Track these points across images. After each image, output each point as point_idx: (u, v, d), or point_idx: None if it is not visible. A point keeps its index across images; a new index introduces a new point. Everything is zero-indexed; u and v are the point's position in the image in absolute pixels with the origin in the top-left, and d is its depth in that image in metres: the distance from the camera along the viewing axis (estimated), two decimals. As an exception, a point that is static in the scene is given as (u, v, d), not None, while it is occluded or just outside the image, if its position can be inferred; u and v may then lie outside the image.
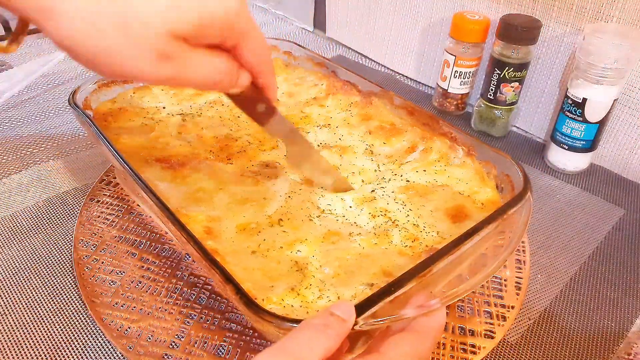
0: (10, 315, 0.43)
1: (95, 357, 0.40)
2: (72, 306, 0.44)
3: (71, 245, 0.49)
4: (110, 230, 0.49)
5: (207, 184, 0.45)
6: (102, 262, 0.46)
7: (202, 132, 0.52)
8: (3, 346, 0.40)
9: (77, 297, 0.44)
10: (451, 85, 0.71)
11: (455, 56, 0.68)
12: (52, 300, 0.44)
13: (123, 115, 0.52)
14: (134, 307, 0.42)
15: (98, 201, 0.53)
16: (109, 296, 0.43)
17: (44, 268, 0.47)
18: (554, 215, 0.56)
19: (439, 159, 0.49)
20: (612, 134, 0.62)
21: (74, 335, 0.41)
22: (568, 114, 0.59)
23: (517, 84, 0.64)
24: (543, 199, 0.59)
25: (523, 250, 0.49)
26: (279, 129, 0.40)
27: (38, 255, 0.48)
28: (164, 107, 0.55)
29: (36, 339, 0.41)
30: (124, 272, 0.45)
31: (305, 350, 0.25)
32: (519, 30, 0.60)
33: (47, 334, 0.41)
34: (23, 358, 0.40)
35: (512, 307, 0.43)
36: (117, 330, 0.40)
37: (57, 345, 0.41)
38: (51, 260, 0.48)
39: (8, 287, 0.45)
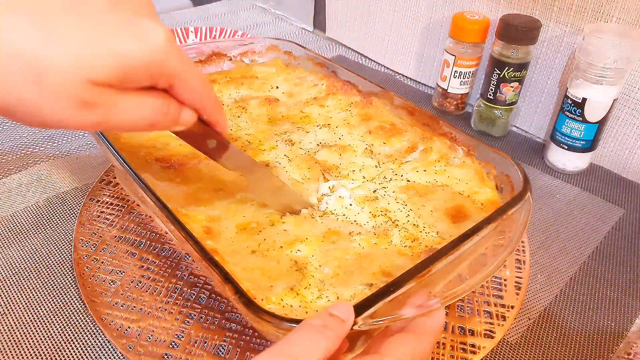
0: (10, 315, 0.43)
1: (95, 357, 0.40)
2: (72, 306, 0.44)
3: (71, 245, 0.49)
4: (110, 230, 0.49)
5: (206, 184, 0.45)
6: (102, 262, 0.46)
7: None
8: (3, 346, 0.40)
9: (77, 296, 0.44)
10: (451, 85, 0.71)
11: (455, 56, 0.68)
12: (52, 300, 0.44)
13: None
14: (134, 306, 0.42)
15: (98, 201, 0.53)
16: (109, 296, 0.43)
17: (44, 268, 0.47)
18: (553, 215, 0.56)
19: (439, 159, 0.49)
20: (612, 134, 0.62)
21: (74, 335, 0.41)
22: (568, 113, 0.59)
23: (516, 83, 0.64)
24: (543, 199, 0.59)
25: (523, 250, 0.49)
26: (234, 162, 0.39)
27: (38, 255, 0.48)
28: None
29: (36, 338, 0.41)
30: (124, 272, 0.45)
31: (305, 351, 0.25)
32: (519, 30, 0.60)
33: (47, 334, 0.41)
34: (23, 358, 0.40)
35: (512, 307, 0.43)
36: (117, 330, 0.40)
37: (57, 345, 0.41)
38: (51, 260, 0.48)
39: (8, 286, 0.45)
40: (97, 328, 0.42)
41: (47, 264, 0.48)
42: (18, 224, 0.52)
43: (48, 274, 0.46)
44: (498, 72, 0.63)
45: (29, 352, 0.40)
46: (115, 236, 0.49)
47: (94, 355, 0.40)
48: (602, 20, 0.58)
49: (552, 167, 0.64)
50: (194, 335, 0.40)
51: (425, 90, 0.81)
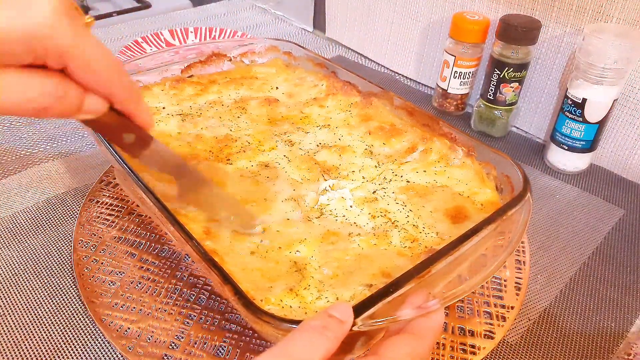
0: (10, 316, 0.43)
1: (95, 358, 0.40)
2: (72, 307, 0.44)
3: (71, 246, 0.49)
4: (109, 230, 0.49)
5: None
6: (102, 263, 0.46)
7: (201, 133, 0.52)
8: (3, 347, 0.40)
9: (77, 297, 0.44)
10: (451, 86, 0.70)
11: (455, 56, 0.68)
12: (52, 301, 0.44)
13: None
14: (134, 307, 0.42)
15: (97, 202, 0.53)
16: (109, 297, 0.43)
17: (44, 269, 0.47)
18: (553, 215, 0.56)
19: (438, 160, 0.49)
20: (612, 134, 0.62)
21: (73, 336, 0.41)
22: (568, 114, 0.59)
23: (516, 84, 0.64)
24: (543, 199, 0.59)
25: (523, 251, 0.49)
26: (157, 161, 0.35)
27: (37, 256, 0.48)
28: (163, 108, 0.55)
29: (36, 339, 0.41)
30: (123, 273, 0.45)
31: (304, 351, 0.25)
32: (519, 31, 0.60)
33: (46, 335, 0.41)
34: (23, 359, 0.40)
35: (512, 308, 0.43)
36: (117, 330, 0.40)
37: (56, 346, 0.41)
38: (51, 261, 0.48)
39: (7, 288, 0.45)
40: (97, 329, 0.42)
41: (47, 265, 0.47)
42: (17, 225, 0.52)
43: (47, 275, 0.46)
44: (498, 72, 0.63)
45: (29, 353, 0.40)
46: (115, 237, 0.49)
47: (94, 356, 0.40)
48: (602, 21, 0.58)
49: (552, 167, 0.64)
50: (193, 336, 0.40)
51: (425, 90, 0.81)
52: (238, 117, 0.55)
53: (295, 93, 0.60)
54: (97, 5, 1.13)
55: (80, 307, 0.44)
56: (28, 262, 0.48)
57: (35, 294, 0.45)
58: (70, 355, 0.40)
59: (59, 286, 0.45)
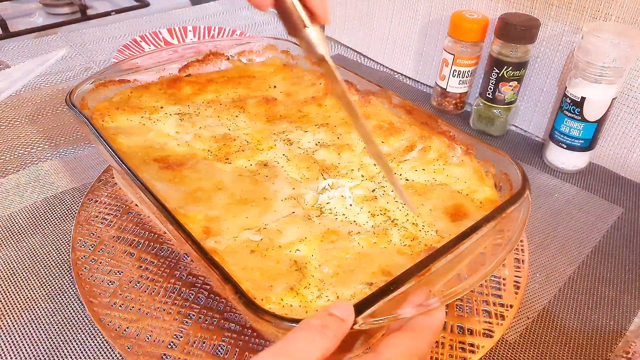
0: (8, 316, 0.42)
1: (94, 357, 0.40)
2: (70, 306, 0.44)
3: (69, 245, 0.49)
4: (108, 230, 0.49)
5: (205, 184, 0.45)
6: (100, 262, 0.46)
7: (199, 132, 0.52)
8: (1, 346, 0.40)
9: (75, 297, 0.44)
10: (450, 85, 0.70)
11: (453, 55, 0.68)
12: (50, 301, 0.44)
13: (120, 115, 0.52)
14: (133, 307, 0.42)
15: (96, 201, 0.53)
16: (107, 296, 0.43)
17: (42, 268, 0.47)
18: (552, 214, 0.56)
19: (437, 158, 0.49)
20: (611, 133, 0.62)
21: (72, 336, 0.41)
22: (567, 112, 0.59)
23: (515, 83, 0.64)
24: (541, 198, 0.59)
25: (522, 249, 0.49)
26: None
27: (36, 256, 0.48)
28: (161, 107, 0.55)
29: (34, 339, 0.41)
30: (122, 272, 0.45)
31: (304, 350, 0.25)
32: (518, 29, 0.60)
33: (45, 334, 0.41)
34: (21, 358, 0.39)
35: (511, 306, 0.43)
36: (116, 330, 0.40)
37: (55, 346, 0.40)
38: (49, 260, 0.48)
39: (5, 287, 0.45)
40: (96, 328, 0.42)
41: (45, 264, 0.47)
42: (16, 224, 0.52)
43: (46, 275, 0.46)
44: (497, 71, 0.63)
45: (27, 353, 0.40)
46: (114, 236, 0.49)
47: (93, 355, 0.40)
48: (601, 19, 0.58)
49: (550, 166, 0.64)
50: (192, 336, 0.40)
51: (424, 89, 0.81)
52: (236, 116, 0.55)
53: (293, 92, 0.60)
54: (95, 4, 1.13)
55: (79, 307, 0.43)
56: (26, 261, 0.48)
57: (34, 293, 0.45)
58: (69, 354, 0.40)
59: (58, 285, 0.45)
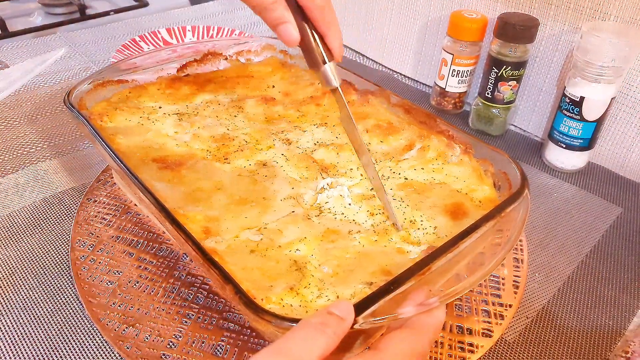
0: (7, 316, 0.42)
1: (93, 357, 0.40)
2: (69, 306, 0.43)
3: (68, 245, 0.49)
4: (107, 230, 0.49)
5: (204, 184, 0.45)
6: (99, 262, 0.46)
7: (198, 132, 0.52)
8: (0, 347, 0.40)
9: (74, 297, 0.44)
10: (449, 84, 0.70)
11: (452, 55, 0.68)
12: (49, 301, 0.44)
13: (119, 115, 0.52)
14: (132, 307, 0.42)
15: (95, 201, 0.53)
16: (106, 296, 0.43)
17: (41, 268, 0.47)
18: (551, 213, 0.56)
19: (436, 157, 0.49)
20: (610, 133, 0.62)
21: (71, 336, 0.41)
22: (566, 112, 0.59)
23: (514, 82, 0.64)
24: (540, 197, 0.59)
25: (521, 249, 0.49)
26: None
27: (35, 255, 0.48)
28: (160, 107, 0.55)
29: (33, 339, 0.41)
30: (121, 272, 0.45)
31: (303, 349, 0.25)
32: (517, 29, 0.60)
33: (44, 334, 0.41)
34: (20, 358, 0.39)
35: (510, 306, 0.43)
36: (115, 330, 0.40)
37: (54, 346, 0.40)
38: (48, 260, 0.48)
39: (5, 287, 0.45)
40: (95, 329, 0.42)
41: (44, 264, 0.47)
42: (15, 224, 0.52)
43: (45, 275, 0.46)
44: (496, 70, 0.63)
45: (26, 353, 0.40)
46: (113, 236, 0.49)
47: (92, 355, 0.40)
48: (600, 19, 0.58)
49: (550, 165, 0.64)
50: (191, 336, 0.40)
51: (423, 89, 0.81)
52: (235, 116, 0.55)
53: (291, 91, 0.60)
54: (94, 4, 1.12)
55: (78, 307, 0.43)
56: (25, 261, 0.47)
57: (33, 292, 0.44)
58: (68, 355, 0.40)
59: (57, 285, 0.45)
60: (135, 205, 0.52)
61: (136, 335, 0.40)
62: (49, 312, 0.43)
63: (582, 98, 0.57)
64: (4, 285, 0.45)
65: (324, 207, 0.44)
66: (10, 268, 0.47)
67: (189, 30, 0.88)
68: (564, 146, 0.61)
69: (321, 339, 0.25)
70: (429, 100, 0.76)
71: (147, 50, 0.73)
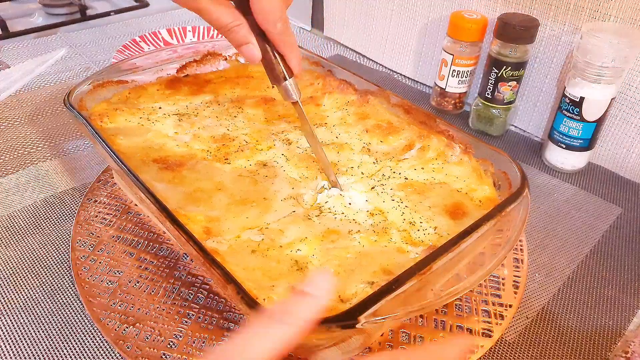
0: (8, 316, 0.42)
1: (93, 357, 0.40)
2: (70, 306, 0.43)
3: (69, 245, 0.49)
4: (107, 230, 0.49)
5: (205, 184, 0.45)
6: (100, 262, 0.46)
7: (198, 132, 0.52)
8: (0, 346, 0.40)
9: (75, 297, 0.44)
10: (449, 85, 0.71)
11: (453, 55, 0.68)
12: (50, 300, 0.44)
13: (119, 115, 0.52)
14: (132, 307, 0.42)
15: (95, 201, 0.53)
16: (107, 296, 0.43)
17: (42, 268, 0.47)
18: (551, 214, 0.56)
19: (436, 157, 0.49)
20: (610, 133, 0.62)
21: (71, 336, 0.41)
22: (566, 112, 0.59)
23: (514, 83, 0.64)
24: (541, 197, 0.59)
25: (521, 249, 0.49)
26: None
27: (35, 255, 0.48)
28: (159, 107, 0.55)
29: (34, 339, 0.41)
30: (121, 272, 0.45)
31: (255, 343, 0.23)
32: (517, 29, 0.60)
33: (44, 334, 0.41)
34: (21, 358, 0.39)
35: (510, 306, 0.43)
36: (115, 330, 0.40)
37: (55, 346, 0.40)
38: (49, 260, 0.48)
39: (5, 287, 0.45)
40: (95, 328, 0.42)
41: (45, 264, 0.47)
42: (15, 224, 0.52)
43: (45, 275, 0.46)
44: (496, 71, 0.63)
45: (27, 353, 0.40)
46: (113, 236, 0.49)
47: (92, 355, 0.40)
48: (600, 19, 0.58)
49: (550, 166, 0.64)
50: (192, 335, 0.40)
51: (423, 89, 0.81)
52: (235, 116, 0.55)
53: None
54: (94, 4, 1.13)
55: (79, 307, 0.43)
56: (26, 261, 0.48)
57: (34, 292, 0.45)
58: (68, 354, 0.40)
59: (57, 285, 0.45)
60: (136, 205, 0.52)
61: (136, 335, 0.40)
62: (49, 312, 0.43)
63: (582, 98, 0.57)
64: (4, 285, 0.45)
65: (324, 207, 0.44)
66: (11, 268, 0.47)
67: (189, 31, 0.88)
68: (564, 146, 0.61)
69: (278, 331, 0.23)
70: (429, 101, 0.76)
71: (147, 51, 0.73)
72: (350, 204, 0.44)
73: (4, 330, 0.41)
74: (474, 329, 0.41)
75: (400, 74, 0.84)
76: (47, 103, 0.72)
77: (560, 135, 0.61)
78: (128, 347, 0.39)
